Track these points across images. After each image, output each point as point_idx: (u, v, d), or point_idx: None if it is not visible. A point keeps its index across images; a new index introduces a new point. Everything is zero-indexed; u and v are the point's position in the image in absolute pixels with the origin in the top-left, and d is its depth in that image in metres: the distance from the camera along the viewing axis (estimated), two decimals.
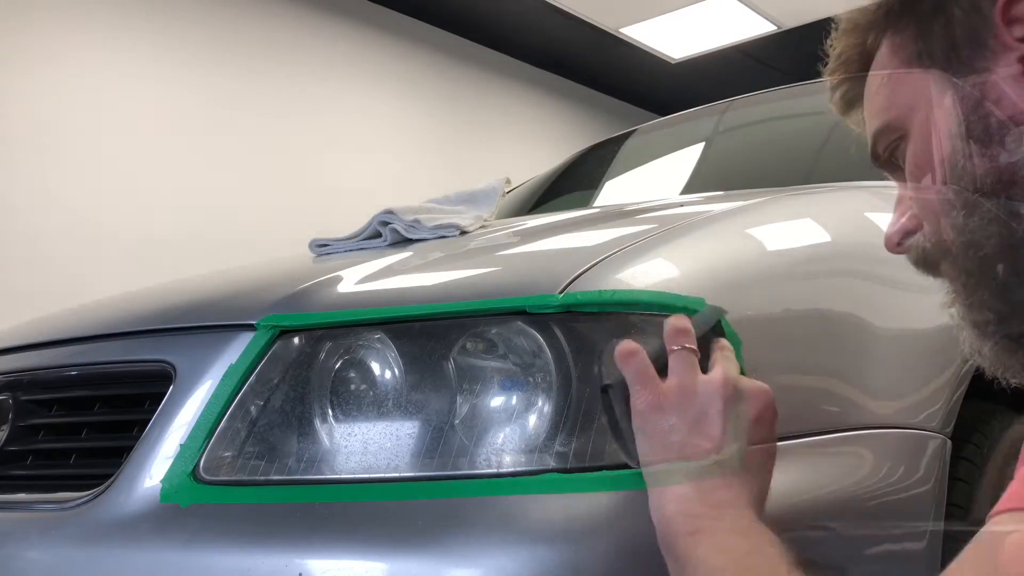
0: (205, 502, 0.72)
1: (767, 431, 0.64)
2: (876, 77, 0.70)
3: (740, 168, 1.81)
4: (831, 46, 0.75)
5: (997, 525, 0.47)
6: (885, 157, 0.71)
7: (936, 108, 0.63)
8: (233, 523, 0.70)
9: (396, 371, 0.74)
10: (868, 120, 0.72)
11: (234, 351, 0.79)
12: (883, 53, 0.69)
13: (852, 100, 0.76)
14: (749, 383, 0.65)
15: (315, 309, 0.80)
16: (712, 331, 0.70)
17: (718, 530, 0.58)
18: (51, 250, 3.36)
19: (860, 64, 0.73)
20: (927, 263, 0.68)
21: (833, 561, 0.74)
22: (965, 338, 0.66)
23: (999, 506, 0.47)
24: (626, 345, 0.66)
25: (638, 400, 0.64)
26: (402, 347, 0.75)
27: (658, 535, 0.61)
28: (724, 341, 0.70)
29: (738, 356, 0.73)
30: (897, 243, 0.71)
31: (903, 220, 0.70)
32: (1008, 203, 0.59)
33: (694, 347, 0.66)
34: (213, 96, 3.98)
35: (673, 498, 0.60)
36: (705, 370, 0.66)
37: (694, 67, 5.64)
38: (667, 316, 0.74)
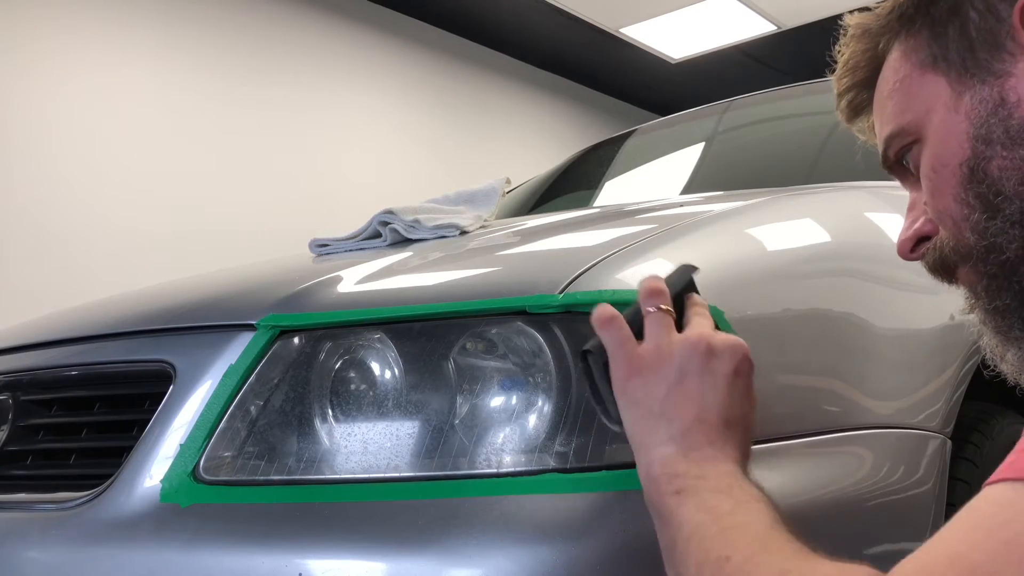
0: (205, 502, 0.72)
1: (745, 384, 0.64)
2: (888, 81, 0.69)
3: (740, 168, 1.80)
4: (839, 52, 0.74)
5: (991, 494, 0.47)
6: (895, 161, 0.70)
7: (953, 111, 0.62)
8: (233, 523, 0.70)
9: (396, 371, 0.74)
10: (879, 125, 0.71)
11: (234, 351, 0.79)
12: (895, 58, 0.69)
13: (859, 107, 0.76)
14: (723, 338, 0.64)
15: (315, 309, 0.79)
16: (685, 289, 0.70)
17: (702, 489, 0.58)
18: (52, 249, 3.36)
19: (869, 70, 0.72)
20: (944, 268, 0.67)
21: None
22: (987, 344, 0.65)
23: (994, 476, 0.47)
24: (603, 310, 0.66)
25: (617, 366, 0.64)
26: (402, 347, 0.75)
27: (645, 496, 0.61)
28: (696, 297, 0.69)
29: None
30: (911, 249, 0.70)
31: (917, 225, 0.69)
32: None
33: (669, 308, 0.66)
34: (214, 95, 3.98)
35: (658, 459, 0.61)
36: (682, 328, 0.66)
37: (694, 67, 5.64)
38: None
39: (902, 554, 0.49)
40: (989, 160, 0.60)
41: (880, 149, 0.72)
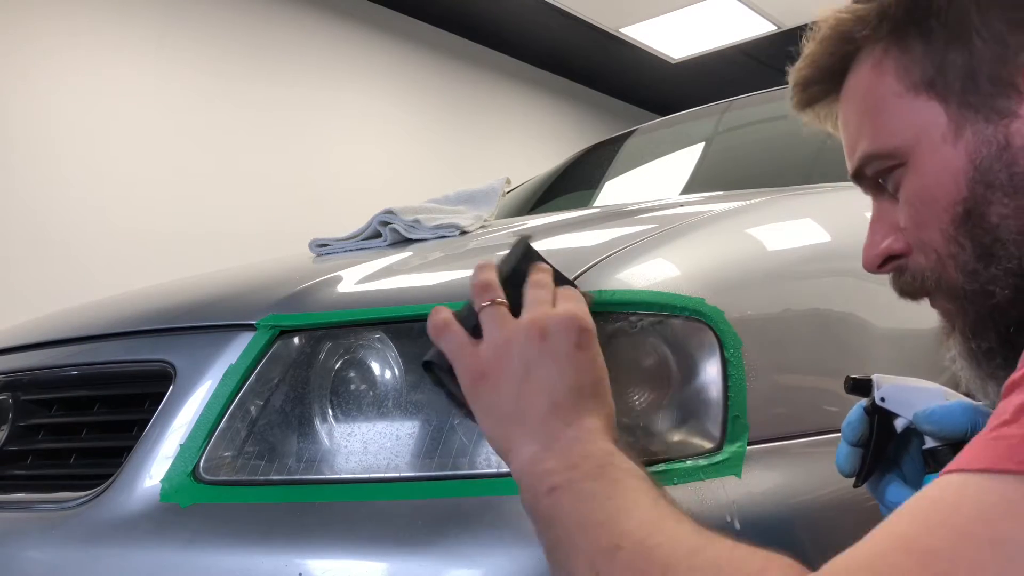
0: (205, 502, 0.72)
1: (588, 355, 0.61)
2: (869, 93, 0.63)
3: (740, 168, 1.80)
4: (804, 45, 0.68)
5: (942, 483, 0.45)
6: (870, 177, 0.66)
7: (950, 144, 0.58)
8: (233, 523, 0.70)
9: (396, 371, 0.75)
10: (850, 136, 0.67)
11: (234, 351, 0.79)
12: (876, 67, 0.63)
13: (814, 99, 0.71)
14: (555, 315, 0.61)
15: (315, 309, 0.80)
16: (524, 262, 0.67)
17: (575, 480, 0.55)
18: (52, 250, 3.36)
19: (835, 70, 0.67)
20: (918, 293, 0.64)
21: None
22: (966, 377, 0.62)
23: (947, 467, 0.46)
24: (436, 316, 0.63)
25: (462, 374, 0.62)
26: (402, 347, 0.75)
27: (521, 503, 0.59)
28: (538, 267, 0.66)
29: (738, 356, 0.73)
30: (879, 264, 0.66)
31: (888, 242, 0.64)
32: None
33: (502, 299, 0.63)
34: (214, 96, 3.98)
35: (525, 461, 0.58)
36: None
37: (694, 67, 5.63)
38: (672, 316, 0.74)
39: None
40: (989, 204, 0.56)
41: (852, 163, 0.67)
